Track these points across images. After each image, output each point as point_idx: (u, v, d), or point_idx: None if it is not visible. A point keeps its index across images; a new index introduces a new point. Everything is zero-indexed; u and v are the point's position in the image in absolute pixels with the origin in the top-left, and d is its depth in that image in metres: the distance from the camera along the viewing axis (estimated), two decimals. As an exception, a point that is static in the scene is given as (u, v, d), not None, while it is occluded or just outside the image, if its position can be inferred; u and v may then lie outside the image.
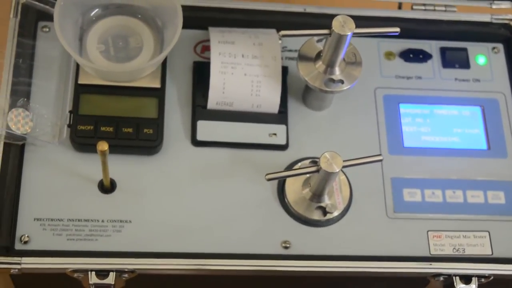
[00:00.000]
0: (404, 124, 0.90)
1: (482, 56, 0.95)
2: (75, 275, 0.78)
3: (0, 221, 0.79)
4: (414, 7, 0.96)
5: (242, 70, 0.86)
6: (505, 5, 0.96)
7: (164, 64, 0.87)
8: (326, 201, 0.83)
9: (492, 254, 0.85)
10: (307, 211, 0.83)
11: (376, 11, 0.95)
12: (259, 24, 0.92)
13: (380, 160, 0.81)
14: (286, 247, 0.82)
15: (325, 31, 0.81)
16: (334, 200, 0.84)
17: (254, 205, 0.84)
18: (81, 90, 0.85)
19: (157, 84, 0.86)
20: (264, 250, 0.82)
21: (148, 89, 0.86)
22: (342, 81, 0.84)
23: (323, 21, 0.86)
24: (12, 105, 0.83)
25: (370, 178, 0.87)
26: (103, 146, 0.75)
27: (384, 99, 0.91)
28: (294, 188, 0.84)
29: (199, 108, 0.87)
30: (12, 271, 0.78)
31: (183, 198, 0.83)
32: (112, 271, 0.78)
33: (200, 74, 0.89)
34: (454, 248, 0.84)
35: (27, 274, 0.79)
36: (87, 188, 0.83)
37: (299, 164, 0.86)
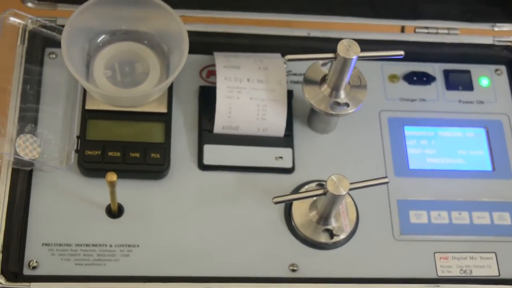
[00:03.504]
0: (409, 146, 0.91)
1: (485, 78, 0.96)
2: (84, 300, 0.79)
3: (8, 247, 0.79)
4: (417, 30, 0.97)
5: (248, 95, 0.87)
6: (507, 28, 0.97)
7: (170, 89, 0.88)
8: (333, 224, 0.84)
9: (499, 275, 0.85)
10: (314, 234, 0.84)
11: (379, 34, 0.96)
12: (264, 48, 0.92)
13: (386, 183, 0.81)
14: (293, 270, 0.82)
15: (330, 55, 0.82)
16: (341, 222, 0.84)
17: (262, 228, 0.84)
18: (88, 115, 0.86)
19: (163, 109, 0.87)
20: (272, 273, 0.82)
21: (155, 114, 0.86)
22: (347, 104, 0.85)
23: (327, 45, 0.88)
24: (20, 131, 0.83)
25: (376, 201, 0.87)
26: (112, 177, 0.76)
27: (389, 121, 0.92)
28: (301, 211, 0.85)
29: (206, 132, 0.87)
30: (21, 296, 0.78)
31: (191, 222, 0.84)
32: (121, 295, 0.79)
33: (206, 98, 0.89)
34: (461, 270, 0.85)
35: (36, 300, 0.79)
36: (95, 213, 0.83)
37: (306, 187, 0.86)
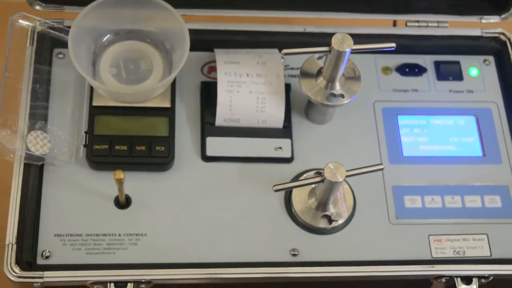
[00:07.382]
0: (402, 135, 0.92)
1: (474, 68, 0.97)
2: (95, 287, 0.80)
3: (22, 238, 0.81)
4: (408, 24, 0.98)
5: (248, 88, 0.88)
6: (494, 20, 0.97)
7: (173, 85, 0.89)
8: (331, 210, 0.85)
9: (491, 255, 0.86)
10: (313, 220, 0.85)
11: (372, 28, 0.97)
12: (262, 44, 0.93)
13: (381, 169, 0.82)
14: (294, 255, 0.84)
15: (325, 49, 0.83)
16: (339, 208, 0.86)
17: (263, 216, 0.86)
18: (95, 111, 0.87)
19: (167, 104, 0.88)
20: (274, 258, 0.83)
21: (159, 109, 0.88)
22: (342, 96, 0.86)
23: (322, 39, 0.89)
24: (31, 127, 0.85)
25: (372, 187, 0.88)
26: (119, 174, 0.78)
27: (383, 111, 0.93)
28: (301, 198, 0.86)
29: (208, 125, 0.89)
30: (35, 284, 0.79)
31: (195, 211, 0.85)
32: (130, 282, 0.80)
33: (208, 93, 0.90)
34: (454, 251, 0.86)
35: (49, 287, 0.81)
36: (103, 204, 0.84)
37: (305, 175, 0.88)
